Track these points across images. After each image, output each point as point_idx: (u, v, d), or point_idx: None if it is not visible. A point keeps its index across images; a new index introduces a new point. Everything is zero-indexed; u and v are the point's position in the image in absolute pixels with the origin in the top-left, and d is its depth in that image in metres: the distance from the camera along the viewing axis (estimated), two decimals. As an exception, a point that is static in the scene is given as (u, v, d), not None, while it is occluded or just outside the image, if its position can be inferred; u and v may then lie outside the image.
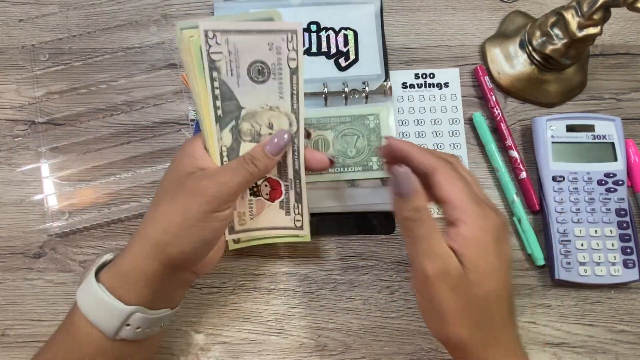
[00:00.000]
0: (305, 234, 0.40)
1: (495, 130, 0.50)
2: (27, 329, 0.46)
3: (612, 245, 0.45)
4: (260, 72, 0.34)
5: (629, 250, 0.45)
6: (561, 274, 0.45)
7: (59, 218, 0.48)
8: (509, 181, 0.48)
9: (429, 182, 0.33)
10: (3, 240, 0.48)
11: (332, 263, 0.47)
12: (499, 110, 0.49)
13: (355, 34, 0.52)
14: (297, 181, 0.38)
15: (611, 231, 0.45)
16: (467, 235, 0.31)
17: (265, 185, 0.39)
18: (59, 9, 0.53)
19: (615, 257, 0.45)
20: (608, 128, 0.48)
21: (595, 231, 0.46)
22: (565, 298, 0.46)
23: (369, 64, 0.51)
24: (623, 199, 0.46)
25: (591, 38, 0.46)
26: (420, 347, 0.45)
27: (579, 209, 0.46)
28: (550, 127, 0.48)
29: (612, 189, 0.46)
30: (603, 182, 0.46)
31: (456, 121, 0.51)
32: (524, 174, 0.48)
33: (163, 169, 0.48)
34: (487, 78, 0.50)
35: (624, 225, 0.46)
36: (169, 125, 0.50)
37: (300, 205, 0.39)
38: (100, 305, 0.33)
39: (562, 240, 0.46)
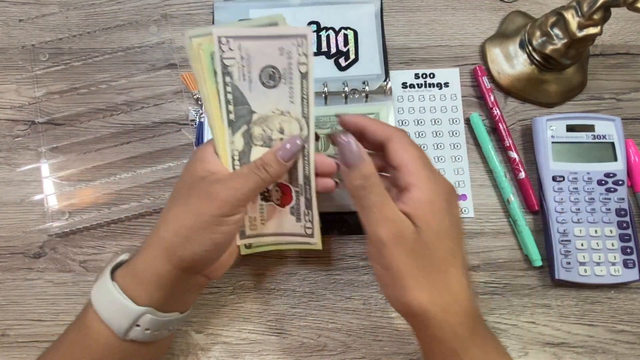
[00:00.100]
0: (316, 242, 0.40)
1: (494, 131, 0.50)
2: (27, 329, 0.46)
3: (612, 245, 0.45)
4: (271, 77, 0.34)
5: (629, 250, 0.45)
6: (561, 274, 0.45)
7: (59, 218, 0.48)
8: (505, 182, 0.48)
9: (384, 150, 0.34)
10: (3, 240, 0.48)
11: (332, 263, 0.47)
12: (497, 111, 0.49)
13: (355, 33, 0.52)
14: (308, 187, 0.38)
15: (611, 231, 0.45)
16: (420, 198, 0.31)
17: (276, 191, 0.39)
18: (59, 9, 0.53)
19: (615, 257, 0.45)
20: (608, 128, 0.48)
21: (595, 231, 0.46)
22: (565, 298, 0.46)
23: (369, 64, 0.51)
24: (623, 199, 0.46)
25: (591, 38, 0.46)
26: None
27: (579, 209, 0.46)
28: (550, 127, 0.48)
29: (612, 189, 0.46)
30: (603, 182, 0.46)
31: (456, 121, 0.51)
32: (522, 174, 0.48)
33: (163, 169, 0.49)
34: (485, 78, 0.50)
35: (624, 225, 0.46)
36: (169, 125, 0.50)
37: (310, 212, 0.39)
38: (113, 303, 0.34)
39: (562, 240, 0.46)
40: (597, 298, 0.46)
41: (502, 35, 0.52)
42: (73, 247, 0.48)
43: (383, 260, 0.32)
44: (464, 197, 0.49)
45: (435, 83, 0.52)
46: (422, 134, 0.50)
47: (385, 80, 0.50)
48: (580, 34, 0.46)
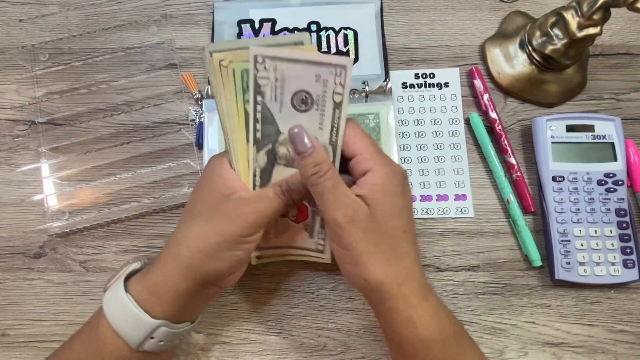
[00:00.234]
0: (326, 258, 0.40)
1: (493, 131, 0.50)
2: (27, 329, 0.46)
3: (612, 245, 0.45)
4: (303, 102, 0.34)
5: (628, 250, 0.45)
6: (561, 274, 0.45)
7: (59, 218, 0.48)
8: (505, 182, 0.48)
9: None
10: (3, 240, 0.48)
11: (332, 263, 0.47)
12: (494, 115, 0.49)
13: (355, 34, 0.52)
14: None
15: (611, 231, 0.46)
16: (374, 182, 0.33)
17: (293, 208, 0.39)
18: (59, 9, 0.53)
19: (614, 257, 0.45)
20: (608, 128, 0.48)
21: (595, 231, 0.46)
22: (565, 298, 0.46)
23: (369, 64, 0.51)
24: (623, 199, 0.46)
25: (591, 38, 0.46)
26: (420, 347, 0.45)
27: (578, 209, 0.46)
28: (550, 127, 0.48)
29: (611, 189, 0.46)
30: (603, 182, 0.46)
31: (456, 121, 0.51)
32: (518, 175, 0.48)
33: (163, 169, 0.49)
34: (477, 82, 0.50)
35: (624, 225, 0.46)
36: (169, 125, 0.50)
37: (324, 232, 0.39)
38: (128, 316, 0.34)
39: (561, 240, 0.46)
40: (596, 298, 0.46)
41: (502, 36, 0.52)
42: (73, 247, 0.48)
43: (340, 240, 0.34)
44: (463, 197, 0.49)
45: (435, 83, 0.52)
46: (422, 134, 0.50)
47: (385, 80, 0.50)
48: (580, 34, 0.46)
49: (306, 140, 0.33)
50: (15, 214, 0.48)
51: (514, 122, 0.51)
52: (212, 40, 0.52)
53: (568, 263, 0.45)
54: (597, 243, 0.45)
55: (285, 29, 0.52)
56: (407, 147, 0.50)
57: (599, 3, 0.44)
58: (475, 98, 0.51)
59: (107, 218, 0.48)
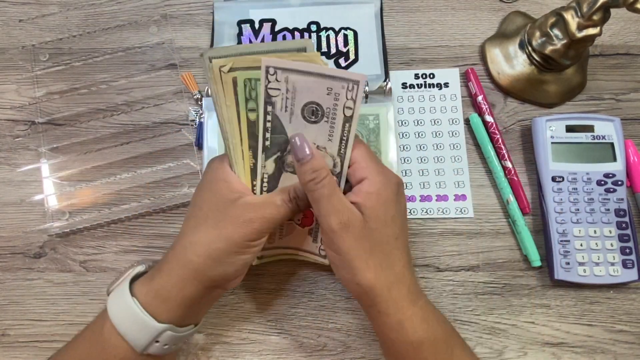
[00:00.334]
0: (327, 261, 0.40)
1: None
2: (27, 329, 0.46)
3: (611, 245, 0.45)
4: (313, 113, 0.34)
5: (628, 251, 0.45)
6: (560, 274, 0.45)
7: (59, 218, 0.48)
8: (504, 182, 0.48)
9: None
10: (3, 240, 0.48)
11: (332, 263, 0.47)
12: (490, 117, 0.49)
13: (355, 34, 0.52)
14: None
15: (610, 231, 0.46)
16: (369, 190, 0.34)
17: (299, 213, 0.40)
18: (59, 9, 0.53)
19: (614, 257, 0.45)
20: (607, 128, 0.48)
21: (595, 231, 0.46)
22: (565, 298, 0.46)
23: (368, 64, 0.51)
24: (622, 199, 0.46)
25: (591, 39, 0.46)
26: (420, 347, 0.45)
27: (578, 209, 0.46)
28: (550, 128, 0.48)
29: (611, 189, 0.46)
30: (602, 182, 0.46)
31: (456, 121, 0.51)
32: (514, 178, 0.48)
33: (163, 169, 0.49)
34: (471, 84, 0.50)
35: (623, 225, 0.46)
36: (169, 125, 0.50)
37: None
38: (133, 320, 0.34)
39: (561, 241, 0.46)
40: (596, 298, 0.46)
41: (501, 36, 0.52)
42: (73, 247, 0.48)
43: (334, 246, 0.34)
44: (463, 197, 0.49)
45: (435, 83, 0.52)
46: (422, 134, 0.50)
47: (385, 81, 0.50)
48: (579, 35, 0.46)
49: (305, 147, 0.34)
50: (16, 214, 0.48)
51: (513, 122, 0.51)
52: (212, 40, 0.52)
53: (567, 263, 0.45)
54: (596, 243, 0.45)
55: (285, 29, 0.52)
56: (407, 148, 0.50)
57: (598, 3, 0.44)
58: (472, 98, 0.51)
59: (107, 218, 0.48)
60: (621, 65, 0.52)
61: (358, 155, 0.35)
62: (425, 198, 0.49)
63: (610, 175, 0.47)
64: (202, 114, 0.49)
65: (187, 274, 0.35)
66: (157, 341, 0.35)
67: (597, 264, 0.45)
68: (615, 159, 0.47)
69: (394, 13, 0.54)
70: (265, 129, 0.35)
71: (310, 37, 0.52)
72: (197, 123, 0.50)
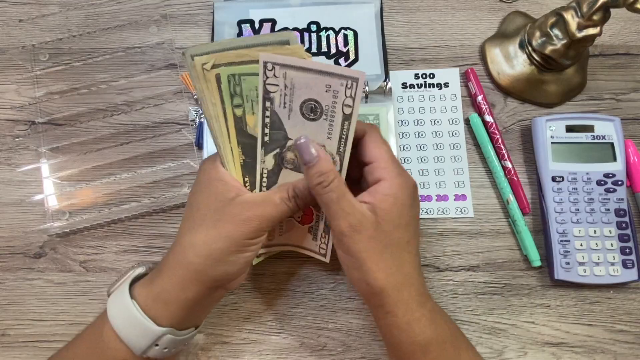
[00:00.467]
0: (326, 259, 0.41)
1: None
2: (27, 329, 0.46)
3: (611, 245, 0.45)
4: (312, 110, 0.34)
5: (627, 251, 0.45)
6: (560, 274, 0.45)
7: (59, 218, 0.48)
8: (504, 182, 0.48)
9: (357, 145, 0.36)
10: (3, 240, 0.48)
11: (332, 263, 0.47)
12: (490, 117, 0.49)
13: (355, 34, 0.52)
14: None
15: (610, 231, 0.46)
16: (386, 192, 0.34)
17: (299, 211, 0.40)
18: (59, 9, 0.53)
19: (614, 257, 0.45)
20: (607, 128, 0.48)
21: (595, 231, 0.46)
22: (565, 298, 0.46)
23: (368, 64, 0.51)
24: (622, 199, 0.46)
25: (591, 39, 0.46)
26: (420, 347, 0.45)
27: (578, 209, 0.46)
28: (550, 128, 0.48)
29: (611, 189, 0.46)
30: (602, 182, 0.46)
31: (456, 121, 0.51)
32: (514, 178, 0.48)
33: (163, 169, 0.49)
34: (472, 84, 0.50)
35: (623, 225, 0.46)
36: (169, 125, 0.50)
37: (327, 237, 0.40)
38: (133, 323, 0.34)
39: (561, 241, 0.46)
40: (596, 298, 0.46)
41: (501, 36, 0.52)
42: (73, 247, 0.48)
43: (345, 247, 0.34)
44: (463, 197, 0.49)
45: (435, 83, 0.52)
46: (421, 134, 0.50)
47: (385, 81, 0.50)
48: (579, 35, 0.46)
49: (312, 150, 0.33)
50: (16, 214, 0.48)
51: (513, 122, 0.51)
52: (212, 40, 0.52)
53: (567, 263, 0.45)
54: (596, 243, 0.45)
55: (285, 29, 0.52)
56: (407, 147, 0.50)
57: (598, 3, 0.44)
58: (472, 98, 0.51)
59: (107, 218, 0.48)
60: (621, 65, 0.52)
61: (379, 154, 0.35)
62: (425, 198, 0.49)
63: (610, 175, 0.47)
64: (202, 113, 0.49)
65: (189, 276, 0.34)
66: (156, 345, 0.35)
67: (597, 264, 0.45)
68: (615, 159, 0.47)
69: (394, 13, 0.54)
70: (265, 125, 0.35)
71: (310, 37, 0.52)
72: (197, 123, 0.50)
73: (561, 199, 0.46)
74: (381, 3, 0.53)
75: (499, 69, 0.51)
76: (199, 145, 0.49)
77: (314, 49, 0.52)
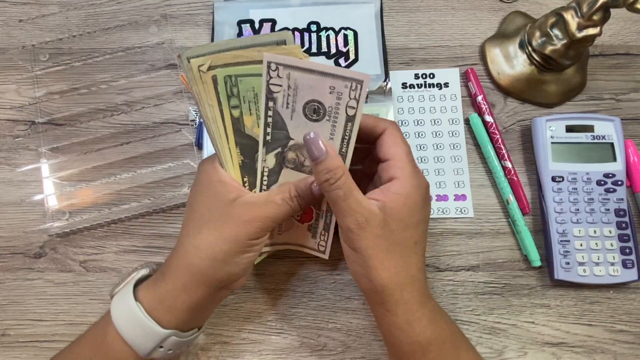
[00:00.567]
0: (325, 256, 0.41)
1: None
2: (27, 329, 0.46)
3: (611, 245, 0.45)
4: (315, 112, 0.34)
5: (627, 251, 0.45)
6: (560, 274, 0.45)
7: (59, 218, 0.48)
8: (504, 182, 0.48)
9: (375, 142, 0.36)
10: (3, 240, 0.48)
11: (332, 263, 0.47)
12: (490, 117, 0.49)
13: (355, 34, 0.52)
14: (329, 214, 0.39)
15: (610, 231, 0.46)
16: (399, 192, 0.34)
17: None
18: (59, 9, 0.53)
19: (614, 257, 0.45)
20: (607, 128, 0.48)
21: (595, 231, 0.46)
22: (565, 298, 0.46)
23: (368, 64, 0.51)
24: (622, 199, 0.46)
25: (591, 39, 0.46)
26: (420, 346, 0.45)
27: (578, 209, 0.46)
28: (550, 128, 0.48)
29: (611, 189, 0.46)
30: (602, 182, 0.47)
31: (456, 121, 0.51)
32: (514, 178, 0.48)
33: (163, 169, 0.49)
34: (472, 84, 0.50)
35: (623, 225, 0.46)
36: (169, 125, 0.50)
37: (327, 235, 0.40)
38: (138, 325, 0.34)
39: (561, 241, 0.46)
40: (596, 298, 0.46)
41: (501, 36, 0.52)
42: (73, 247, 0.48)
43: (351, 243, 0.34)
44: (463, 197, 0.49)
45: (435, 83, 0.52)
46: (421, 134, 0.50)
47: (385, 81, 0.50)
48: (579, 35, 0.46)
49: (321, 145, 0.33)
50: (16, 214, 0.48)
51: (513, 122, 0.51)
52: (212, 40, 0.52)
53: (567, 263, 0.45)
54: (596, 243, 0.45)
55: (285, 29, 0.52)
56: (407, 147, 0.50)
57: (598, 3, 0.44)
58: (472, 98, 0.51)
59: (107, 218, 0.48)
60: (621, 65, 0.52)
61: (396, 153, 0.35)
62: (425, 198, 0.49)
63: (610, 175, 0.47)
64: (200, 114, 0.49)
65: (193, 279, 0.34)
66: (161, 346, 0.35)
67: (597, 263, 0.45)
68: (615, 159, 0.47)
69: (394, 13, 0.54)
70: (267, 124, 0.35)
71: (310, 37, 0.52)
72: (197, 123, 0.50)
73: (561, 199, 0.46)
74: (381, 3, 0.53)
75: (499, 69, 0.51)
76: (199, 145, 0.49)
77: (314, 49, 0.52)
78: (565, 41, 0.47)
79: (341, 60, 0.51)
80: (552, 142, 0.48)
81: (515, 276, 0.47)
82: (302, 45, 0.51)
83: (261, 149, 0.36)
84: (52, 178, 0.49)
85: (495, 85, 0.52)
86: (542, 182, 0.47)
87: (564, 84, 0.51)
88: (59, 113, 0.50)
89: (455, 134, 0.50)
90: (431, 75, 0.52)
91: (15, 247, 0.48)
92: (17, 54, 0.52)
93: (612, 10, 0.45)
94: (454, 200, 0.49)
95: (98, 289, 0.46)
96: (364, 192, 0.35)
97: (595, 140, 0.48)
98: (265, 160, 0.36)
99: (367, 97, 0.49)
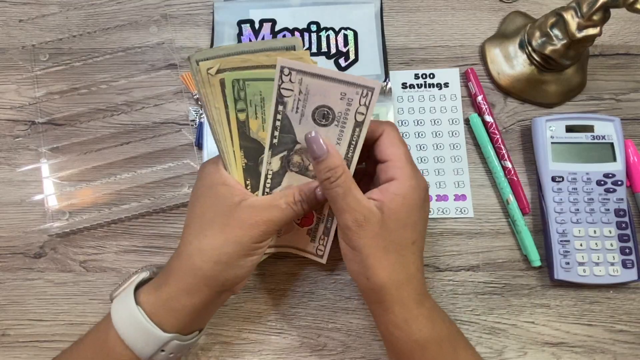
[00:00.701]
0: (323, 260, 0.41)
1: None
2: (27, 329, 0.46)
3: (611, 245, 0.45)
4: (324, 117, 0.35)
5: (627, 251, 0.45)
6: (560, 274, 0.45)
7: (59, 218, 0.48)
8: (504, 182, 0.48)
9: (374, 143, 0.36)
10: (3, 240, 0.48)
11: (332, 263, 0.47)
12: (490, 117, 0.49)
13: (355, 34, 0.52)
14: (330, 219, 0.39)
15: (610, 231, 0.46)
16: (396, 192, 0.34)
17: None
18: (59, 9, 0.53)
19: (614, 257, 0.45)
20: (607, 128, 0.48)
21: (594, 231, 0.46)
22: (564, 298, 0.46)
23: (368, 64, 0.51)
24: (622, 199, 0.46)
25: (591, 39, 0.46)
26: (420, 346, 0.45)
27: (578, 209, 0.46)
28: (550, 128, 0.48)
29: (611, 190, 0.46)
30: (602, 182, 0.47)
31: (456, 121, 0.51)
32: (514, 178, 0.48)
33: (163, 169, 0.49)
34: (472, 84, 0.50)
35: (623, 225, 0.46)
36: (169, 125, 0.50)
37: (326, 239, 0.40)
38: (139, 329, 0.34)
39: (561, 241, 0.46)
40: (595, 298, 0.46)
41: (501, 36, 0.52)
42: (73, 247, 0.48)
43: (349, 241, 0.35)
44: (463, 197, 0.49)
45: (435, 83, 0.52)
46: (421, 134, 0.50)
47: (385, 81, 0.50)
48: (579, 35, 0.46)
49: (322, 144, 0.34)
50: (16, 214, 0.48)
51: (513, 122, 0.51)
52: (212, 40, 0.52)
53: (567, 263, 0.45)
54: (596, 243, 0.45)
55: (285, 29, 0.52)
56: (407, 148, 0.50)
57: (598, 3, 0.44)
58: (472, 98, 0.51)
59: (107, 218, 0.48)
60: (621, 65, 0.52)
61: (394, 153, 0.35)
62: (425, 198, 0.49)
63: (610, 175, 0.47)
64: (202, 114, 0.49)
65: (197, 282, 0.34)
66: (162, 350, 0.35)
67: (597, 264, 0.45)
68: (615, 159, 0.47)
69: (394, 13, 0.54)
70: (275, 127, 0.35)
71: (310, 37, 0.52)
72: (197, 123, 0.50)
73: (561, 199, 0.46)
74: (381, 3, 0.53)
75: (499, 69, 0.51)
76: (199, 145, 0.49)
77: (314, 49, 0.52)
78: (565, 41, 0.47)
79: (341, 61, 0.51)
80: (552, 142, 0.48)
81: (515, 276, 0.47)
82: (302, 45, 0.51)
83: (267, 152, 0.36)
84: (52, 178, 0.49)
85: (495, 85, 0.52)
86: (542, 182, 0.47)
87: (564, 84, 0.51)
88: (59, 113, 0.50)
89: (455, 134, 0.50)
90: (431, 76, 0.52)
91: (15, 247, 0.48)
92: (17, 54, 0.52)
93: (612, 10, 0.45)
94: (454, 200, 0.49)
95: (98, 289, 0.46)
96: (364, 193, 0.35)
97: (595, 140, 0.48)
98: (270, 163, 0.37)
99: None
